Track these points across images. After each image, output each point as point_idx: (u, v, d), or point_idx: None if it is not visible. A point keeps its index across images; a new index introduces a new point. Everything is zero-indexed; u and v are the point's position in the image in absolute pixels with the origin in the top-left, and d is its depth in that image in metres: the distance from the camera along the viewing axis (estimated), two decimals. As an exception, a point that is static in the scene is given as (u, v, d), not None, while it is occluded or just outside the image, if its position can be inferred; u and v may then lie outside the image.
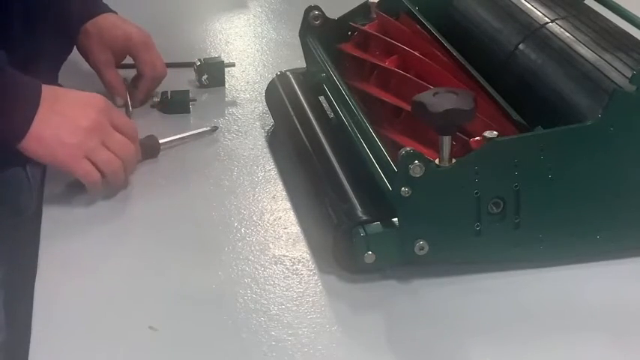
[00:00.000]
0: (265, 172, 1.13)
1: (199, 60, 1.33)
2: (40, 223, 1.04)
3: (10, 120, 1.01)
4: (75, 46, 1.26)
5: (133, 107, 1.26)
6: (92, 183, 1.05)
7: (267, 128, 1.23)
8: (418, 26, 1.18)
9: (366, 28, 1.21)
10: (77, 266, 0.97)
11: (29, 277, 0.96)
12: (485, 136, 0.90)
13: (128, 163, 1.08)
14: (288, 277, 0.95)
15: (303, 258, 0.98)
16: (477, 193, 0.91)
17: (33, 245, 1.01)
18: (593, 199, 0.93)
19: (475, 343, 0.87)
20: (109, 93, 1.25)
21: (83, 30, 1.24)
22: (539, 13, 1.08)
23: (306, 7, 1.21)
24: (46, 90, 1.03)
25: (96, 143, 1.04)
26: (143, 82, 1.27)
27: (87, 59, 1.27)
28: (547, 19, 1.06)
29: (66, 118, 1.03)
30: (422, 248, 0.92)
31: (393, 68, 1.10)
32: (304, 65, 1.25)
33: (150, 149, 1.15)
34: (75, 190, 1.08)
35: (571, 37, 1.02)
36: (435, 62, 1.09)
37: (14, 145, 1.01)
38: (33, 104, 1.01)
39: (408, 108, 0.99)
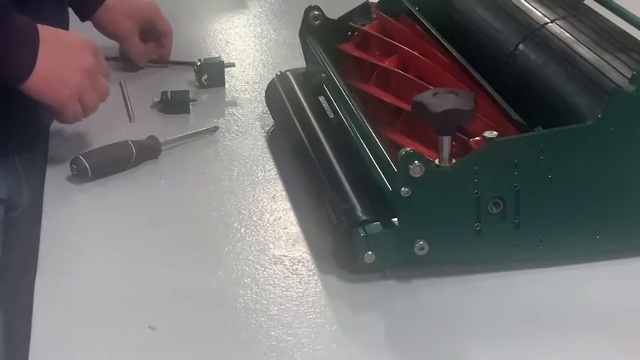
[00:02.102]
0: (265, 172, 1.13)
1: (199, 60, 1.33)
2: (34, 219, 1.04)
3: (15, 61, 1.03)
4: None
5: (165, 59, 1.39)
6: (74, 121, 1.12)
7: (267, 128, 1.23)
8: (418, 26, 1.18)
9: (366, 28, 1.21)
10: (77, 266, 0.97)
11: (27, 274, 0.95)
12: (485, 136, 0.90)
13: (102, 103, 1.14)
14: (288, 277, 0.95)
15: (303, 258, 0.98)
16: (476, 193, 0.91)
17: (29, 242, 1.01)
18: (593, 199, 0.93)
19: (475, 343, 0.87)
20: (134, 59, 1.37)
21: (104, 5, 1.32)
22: (539, 13, 1.08)
23: (306, 7, 1.21)
24: (44, 31, 1.05)
25: (89, 85, 1.10)
26: (168, 38, 1.39)
27: (109, 31, 1.35)
28: (547, 20, 1.06)
29: (66, 58, 1.07)
30: (422, 248, 0.92)
31: (393, 68, 1.10)
32: (304, 65, 1.25)
33: (150, 149, 1.15)
34: (75, 189, 1.08)
35: (571, 37, 1.02)
36: (435, 62, 1.09)
37: (19, 84, 1.04)
38: (34, 45, 1.04)
39: (408, 108, 0.99)
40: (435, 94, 0.91)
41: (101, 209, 1.07)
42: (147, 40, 1.38)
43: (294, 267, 0.96)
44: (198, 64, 1.33)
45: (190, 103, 1.27)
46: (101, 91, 1.12)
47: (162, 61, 1.39)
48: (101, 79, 1.12)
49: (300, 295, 0.93)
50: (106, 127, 1.21)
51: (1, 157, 1.13)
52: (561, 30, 1.04)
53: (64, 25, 1.18)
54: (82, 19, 1.33)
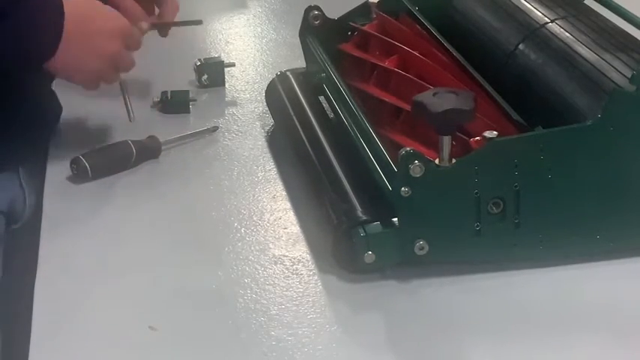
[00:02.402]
0: (265, 172, 1.13)
1: (199, 60, 1.33)
2: (35, 231, 1.03)
3: (38, 42, 1.03)
4: None
5: (161, 32, 1.28)
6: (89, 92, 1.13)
7: (267, 128, 1.23)
8: (418, 26, 1.18)
9: (366, 28, 1.21)
10: (77, 266, 0.97)
11: (27, 283, 0.95)
12: (485, 136, 0.90)
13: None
14: (288, 277, 0.95)
15: (303, 258, 0.98)
16: (476, 193, 0.91)
17: (29, 253, 1.00)
18: (593, 199, 0.93)
19: (475, 342, 0.87)
20: (132, 22, 1.22)
21: None
22: (539, 13, 1.08)
23: (306, 7, 1.21)
24: (72, 12, 1.04)
25: (113, 68, 1.11)
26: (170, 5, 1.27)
27: None
28: (547, 19, 1.06)
29: (91, 43, 1.07)
30: (422, 248, 0.92)
31: (393, 68, 1.10)
32: (304, 65, 1.25)
33: (151, 150, 1.15)
34: (75, 188, 1.08)
35: (571, 37, 1.02)
36: (435, 62, 1.09)
37: (39, 63, 1.04)
38: (58, 28, 1.03)
39: (408, 108, 0.99)
40: (435, 94, 0.91)
41: (101, 209, 1.07)
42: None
43: (294, 267, 0.96)
44: (198, 63, 1.33)
45: (190, 103, 1.27)
46: (125, 66, 1.13)
47: (166, 23, 1.27)
48: (127, 56, 1.12)
49: (300, 295, 0.93)
50: (106, 127, 1.21)
51: (3, 169, 1.11)
52: (561, 30, 1.04)
53: None
54: None
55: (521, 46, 1.06)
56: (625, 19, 1.02)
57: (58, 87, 1.20)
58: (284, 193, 1.09)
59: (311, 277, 0.95)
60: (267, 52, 1.46)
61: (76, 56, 1.06)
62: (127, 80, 1.29)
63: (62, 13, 1.03)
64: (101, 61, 1.09)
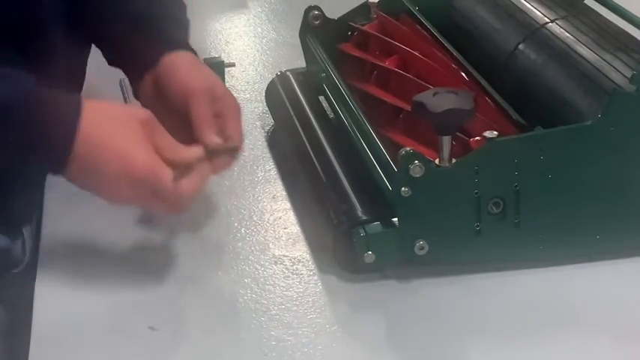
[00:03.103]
0: (265, 172, 1.13)
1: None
2: (33, 277, 0.98)
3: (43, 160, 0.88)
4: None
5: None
6: (177, 211, 0.91)
7: (267, 128, 1.23)
8: (418, 26, 1.18)
9: (366, 28, 1.21)
10: (77, 266, 0.97)
11: (26, 326, 0.91)
12: (485, 136, 0.90)
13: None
14: (288, 277, 0.95)
15: (303, 258, 0.98)
16: (476, 193, 0.91)
17: (27, 296, 0.94)
18: (593, 199, 0.93)
19: (475, 342, 0.87)
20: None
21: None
22: (539, 13, 1.08)
23: (306, 7, 1.21)
24: (83, 136, 0.86)
25: (147, 195, 0.88)
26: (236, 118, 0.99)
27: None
28: (547, 19, 1.06)
29: (102, 182, 0.89)
30: (422, 248, 0.92)
31: (393, 68, 1.10)
32: (304, 65, 1.25)
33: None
34: (75, 188, 1.08)
35: (571, 37, 1.02)
36: (435, 62, 1.09)
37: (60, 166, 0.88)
38: (65, 151, 0.86)
39: (408, 108, 0.99)
40: (434, 94, 0.91)
41: (101, 209, 1.06)
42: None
43: (294, 267, 0.96)
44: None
45: (190, 103, 1.27)
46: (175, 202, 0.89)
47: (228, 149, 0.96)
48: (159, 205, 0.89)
49: (300, 295, 0.93)
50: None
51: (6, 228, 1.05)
52: (561, 30, 1.04)
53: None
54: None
55: (521, 46, 1.06)
56: (625, 19, 1.02)
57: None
58: (284, 193, 1.09)
59: (311, 277, 0.95)
60: (267, 52, 1.46)
61: (90, 183, 0.89)
62: (127, 80, 1.29)
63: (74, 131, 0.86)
64: (125, 186, 0.88)
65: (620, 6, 1.05)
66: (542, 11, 1.08)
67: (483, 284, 0.93)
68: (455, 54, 1.11)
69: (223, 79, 1.33)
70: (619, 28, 1.04)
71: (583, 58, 0.98)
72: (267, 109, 1.25)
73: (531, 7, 1.10)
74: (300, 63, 1.26)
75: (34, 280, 0.94)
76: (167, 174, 0.87)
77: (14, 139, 0.86)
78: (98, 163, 0.87)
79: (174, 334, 0.88)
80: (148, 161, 0.87)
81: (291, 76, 1.23)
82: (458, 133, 0.93)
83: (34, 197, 1.07)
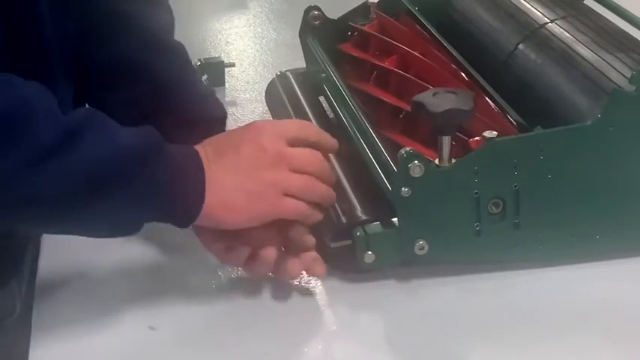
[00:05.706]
0: (265, 172, 1.13)
1: (199, 60, 1.33)
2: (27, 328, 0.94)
3: (181, 205, 0.86)
4: None
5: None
6: (304, 215, 0.90)
7: (267, 128, 1.23)
8: (418, 26, 1.18)
9: (365, 28, 1.21)
10: (77, 266, 0.97)
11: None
12: (485, 136, 0.90)
13: (321, 174, 0.92)
14: (288, 277, 0.95)
15: (303, 258, 0.98)
16: (476, 193, 0.91)
17: (21, 346, 0.90)
18: (593, 199, 0.93)
19: (475, 343, 0.87)
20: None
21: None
22: (538, 13, 1.08)
23: (306, 7, 1.22)
24: (205, 151, 0.88)
25: (283, 176, 0.89)
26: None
27: None
28: (547, 19, 1.06)
29: (236, 182, 0.87)
30: (422, 248, 0.92)
31: (392, 68, 1.10)
32: (304, 65, 1.25)
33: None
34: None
35: (571, 37, 1.02)
36: (434, 62, 1.09)
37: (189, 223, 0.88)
38: (198, 179, 0.85)
39: (408, 108, 0.99)
40: (434, 94, 0.91)
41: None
42: None
43: (294, 267, 0.96)
44: (198, 63, 1.33)
45: (190, 103, 1.27)
46: (303, 166, 0.90)
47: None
48: (296, 159, 0.89)
49: (300, 295, 0.93)
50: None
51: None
52: (561, 30, 1.04)
53: None
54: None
55: (521, 46, 1.06)
56: (625, 19, 1.02)
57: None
58: (284, 193, 1.09)
59: (311, 277, 0.95)
60: (267, 52, 1.46)
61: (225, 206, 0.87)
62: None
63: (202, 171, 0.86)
64: (257, 190, 0.87)
65: (620, 6, 1.05)
66: (542, 11, 1.08)
67: (483, 284, 0.93)
68: (454, 54, 1.11)
69: (223, 79, 1.33)
70: (619, 28, 1.04)
71: (583, 58, 0.98)
72: (267, 109, 1.25)
73: (531, 7, 1.10)
74: (300, 63, 1.26)
75: (30, 331, 0.90)
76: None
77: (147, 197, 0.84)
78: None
79: (174, 334, 0.88)
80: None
81: (291, 76, 1.23)
82: (457, 133, 0.93)
83: (21, 255, 1.04)
